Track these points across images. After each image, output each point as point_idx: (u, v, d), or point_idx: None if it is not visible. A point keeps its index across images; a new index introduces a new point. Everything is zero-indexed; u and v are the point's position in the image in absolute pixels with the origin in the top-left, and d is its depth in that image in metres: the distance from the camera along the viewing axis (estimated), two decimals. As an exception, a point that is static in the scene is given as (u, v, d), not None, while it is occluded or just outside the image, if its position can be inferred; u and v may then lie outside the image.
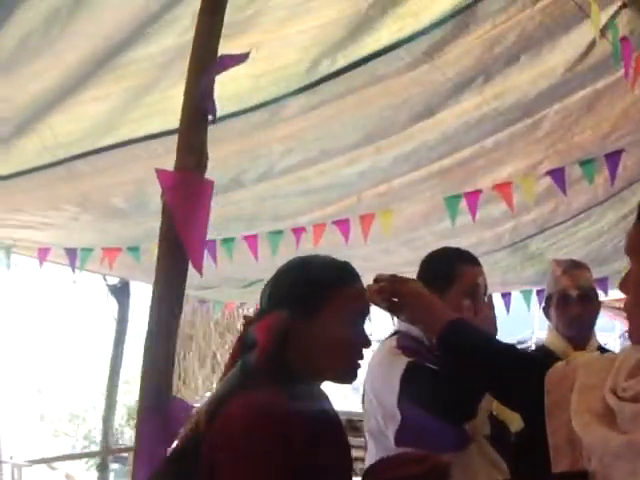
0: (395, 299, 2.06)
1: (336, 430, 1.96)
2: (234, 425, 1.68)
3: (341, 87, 3.19)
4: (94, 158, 3.60)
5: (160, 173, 1.84)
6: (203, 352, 12.01)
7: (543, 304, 3.47)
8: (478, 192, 4.03)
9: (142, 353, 1.83)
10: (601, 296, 3.87)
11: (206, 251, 4.44)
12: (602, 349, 3.31)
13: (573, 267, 3.37)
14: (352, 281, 1.93)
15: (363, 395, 2.72)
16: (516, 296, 6.47)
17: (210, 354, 11.91)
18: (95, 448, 13.29)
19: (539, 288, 5.97)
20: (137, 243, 4.75)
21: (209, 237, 4.60)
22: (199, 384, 11.82)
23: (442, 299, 2.37)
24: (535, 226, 4.94)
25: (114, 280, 7.08)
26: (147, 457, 1.78)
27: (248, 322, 1.93)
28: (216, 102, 2.03)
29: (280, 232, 4.39)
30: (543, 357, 3.30)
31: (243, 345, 1.91)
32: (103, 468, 7.35)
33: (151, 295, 1.81)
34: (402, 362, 2.47)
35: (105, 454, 7.45)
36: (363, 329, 1.93)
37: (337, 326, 1.86)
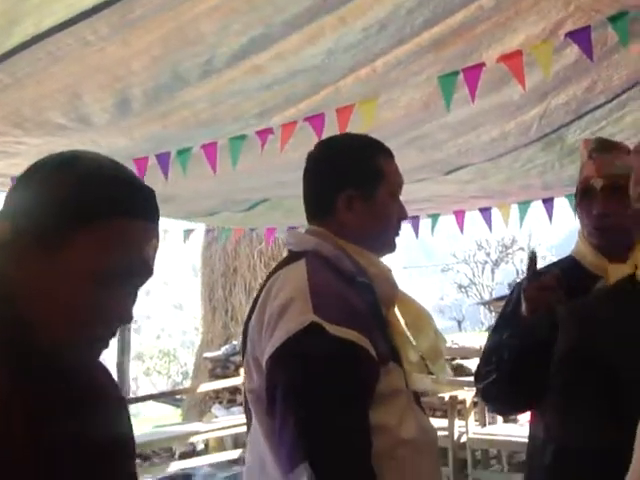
0: None
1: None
2: None
3: None
4: (8, 65, 2.95)
5: None
6: (249, 285, 11.37)
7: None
8: (479, 66, 3.16)
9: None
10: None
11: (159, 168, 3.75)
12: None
13: (601, 149, 2.45)
14: (137, 214, 1.19)
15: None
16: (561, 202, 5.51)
17: (257, 287, 11.24)
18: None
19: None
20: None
21: (165, 149, 3.97)
22: (247, 319, 11.15)
23: (367, 202, 2.06)
24: (568, 111, 3.99)
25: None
26: None
27: None
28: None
29: (242, 137, 3.59)
30: (572, 272, 2.47)
31: None
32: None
33: None
34: (302, 318, 1.81)
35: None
36: (128, 295, 1.21)
37: (84, 277, 1.15)
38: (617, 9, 3.06)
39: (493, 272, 29.70)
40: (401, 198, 2.17)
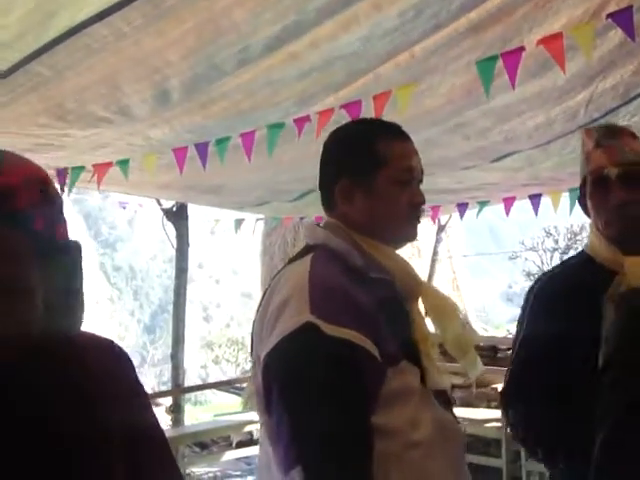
0: None
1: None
2: None
3: None
4: (47, 57, 2.99)
5: None
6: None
7: (578, 195, 2.49)
8: (519, 51, 3.08)
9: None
10: None
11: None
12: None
13: (610, 136, 2.30)
14: None
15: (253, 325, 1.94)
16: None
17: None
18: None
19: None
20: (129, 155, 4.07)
21: (205, 139, 3.96)
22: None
23: (366, 191, 1.92)
24: (617, 95, 3.88)
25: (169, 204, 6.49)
26: None
27: None
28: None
29: (279, 125, 3.56)
30: (585, 268, 2.38)
31: None
32: (176, 409, 6.79)
33: None
34: (298, 319, 1.72)
35: (176, 394, 6.93)
36: None
37: None
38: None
39: (562, 259, 29.26)
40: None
